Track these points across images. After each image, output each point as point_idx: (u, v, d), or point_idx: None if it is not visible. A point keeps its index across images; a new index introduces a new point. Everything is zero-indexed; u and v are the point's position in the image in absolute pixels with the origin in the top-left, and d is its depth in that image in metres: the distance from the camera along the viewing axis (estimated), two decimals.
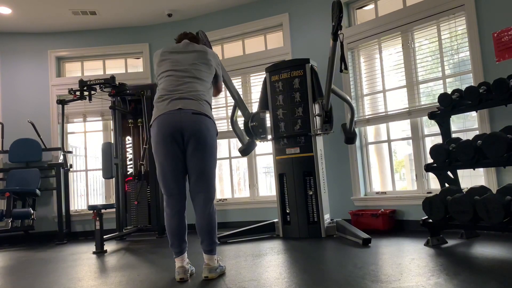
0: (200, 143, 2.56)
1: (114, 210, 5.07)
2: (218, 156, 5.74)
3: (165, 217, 2.69)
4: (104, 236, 4.30)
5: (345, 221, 4.09)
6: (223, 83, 3.12)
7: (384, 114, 4.57)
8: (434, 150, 3.38)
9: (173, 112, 2.53)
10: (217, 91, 3.03)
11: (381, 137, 4.80)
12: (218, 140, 5.64)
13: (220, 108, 5.82)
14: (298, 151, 4.23)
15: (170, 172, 2.59)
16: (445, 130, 3.56)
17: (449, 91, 3.72)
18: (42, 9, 5.33)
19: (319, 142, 4.25)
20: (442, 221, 3.17)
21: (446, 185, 3.48)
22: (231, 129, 4.61)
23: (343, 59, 3.77)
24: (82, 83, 5.02)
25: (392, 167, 4.60)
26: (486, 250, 2.98)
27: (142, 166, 5.24)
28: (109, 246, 4.49)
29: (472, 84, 3.78)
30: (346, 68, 3.80)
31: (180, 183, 2.63)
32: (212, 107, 6.00)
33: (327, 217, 4.17)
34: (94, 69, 6.20)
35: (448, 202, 3.07)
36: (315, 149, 4.17)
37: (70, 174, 5.80)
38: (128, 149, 5.42)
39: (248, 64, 5.54)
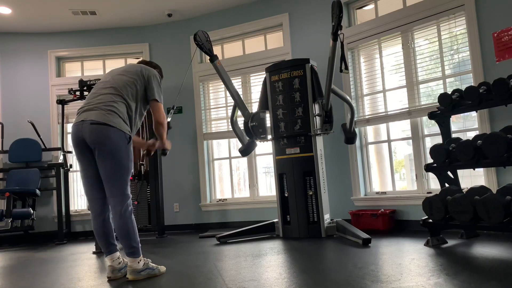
0: (102, 151, 2.66)
1: None
2: (218, 156, 5.86)
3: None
4: None
5: (345, 221, 4.09)
6: (163, 110, 2.89)
7: (384, 114, 4.57)
8: (434, 150, 3.38)
9: (77, 124, 2.71)
10: (155, 112, 2.86)
11: (381, 137, 4.80)
12: (218, 140, 5.78)
13: (220, 108, 5.82)
14: (298, 151, 4.23)
15: (84, 178, 2.79)
16: (445, 130, 3.56)
17: (449, 91, 3.72)
18: (42, 9, 5.33)
19: (319, 142, 4.25)
20: (442, 221, 3.17)
21: (446, 185, 3.48)
22: (231, 129, 4.61)
23: (343, 59, 3.77)
24: (82, 83, 5.03)
25: (392, 167, 4.60)
26: (486, 250, 2.98)
27: (142, 166, 5.24)
28: None
29: (472, 84, 3.78)
30: (346, 68, 3.80)
31: (95, 189, 2.77)
32: (211, 107, 6.01)
33: (327, 217, 4.17)
34: (94, 69, 6.20)
35: (448, 202, 3.07)
36: (315, 149, 4.17)
37: (70, 174, 5.81)
38: None
39: (248, 64, 5.54)
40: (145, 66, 2.98)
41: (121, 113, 2.72)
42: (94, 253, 4.15)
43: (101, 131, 2.64)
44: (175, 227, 5.64)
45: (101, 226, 2.78)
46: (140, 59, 3.20)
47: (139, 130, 5.41)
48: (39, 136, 5.56)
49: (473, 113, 3.80)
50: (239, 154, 4.69)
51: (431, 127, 4.32)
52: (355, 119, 4.34)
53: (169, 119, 3.25)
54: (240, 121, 4.59)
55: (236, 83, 5.47)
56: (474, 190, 3.10)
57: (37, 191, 5.38)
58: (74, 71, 6.23)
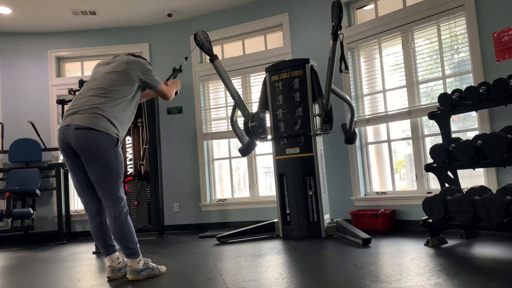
0: (89, 157, 2.62)
1: None
2: (218, 156, 5.86)
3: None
4: None
5: (345, 221, 4.09)
6: (166, 89, 3.07)
7: (384, 114, 4.57)
8: (434, 150, 3.38)
9: (63, 129, 2.66)
10: (160, 95, 3.08)
11: (381, 137, 4.80)
12: (218, 140, 5.79)
13: (220, 108, 5.82)
14: (298, 151, 4.23)
15: (76, 182, 2.76)
16: (445, 130, 3.56)
17: (449, 91, 3.72)
18: (42, 9, 5.33)
19: (319, 142, 4.25)
20: (442, 221, 3.17)
21: (446, 185, 3.48)
22: (231, 129, 4.61)
23: (343, 59, 3.77)
24: (82, 83, 5.02)
25: (392, 167, 4.59)
26: (486, 250, 2.98)
27: (142, 166, 5.24)
28: None
29: (472, 84, 3.78)
30: (346, 68, 3.79)
31: (88, 192, 2.75)
32: (211, 107, 6.00)
33: (327, 217, 4.17)
34: None
35: (448, 202, 3.07)
36: (315, 149, 4.17)
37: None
38: (128, 149, 5.43)
39: (248, 64, 5.54)
40: (131, 59, 2.85)
41: (108, 115, 2.65)
42: (94, 253, 4.15)
43: (86, 136, 2.58)
44: (175, 227, 5.64)
45: (98, 228, 2.77)
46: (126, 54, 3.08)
47: (139, 130, 5.41)
48: (39, 136, 5.56)
49: (473, 113, 3.80)
50: (239, 154, 4.69)
51: (431, 127, 4.32)
52: (355, 119, 4.34)
53: (184, 62, 3.57)
54: (240, 121, 4.59)
55: (236, 83, 5.47)
56: (474, 190, 3.10)
57: (37, 191, 5.38)
58: (74, 71, 6.23)
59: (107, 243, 2.79)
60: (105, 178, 2.64)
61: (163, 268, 2.91)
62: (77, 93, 2.85)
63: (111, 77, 2.76)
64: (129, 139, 5.50)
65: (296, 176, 4.21)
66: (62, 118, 5.56)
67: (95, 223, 2.77)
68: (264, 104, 4.48)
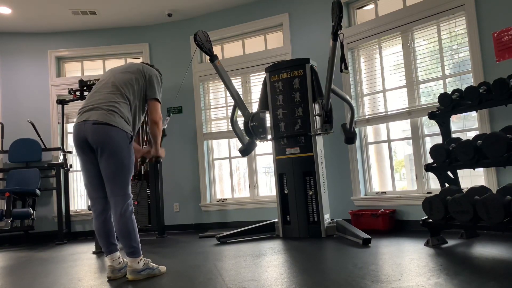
0: (104, 151, 2.67)
1: None
2: (218, 156, 5.87)
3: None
4: None
5: (345, 221, 4.09)
6: (159, 112, 2.88)
7: (384, 114, 4.57)
8: (434, 150, 3.38)
9: (79, 124, 2.71)
10: (151, 110, 2.87)
11: (381, 137, 4.80)
12: (218, 140, 5.78)
13: (220, 108, 5.82)
14: (298, 151, 4.23)
15: (87, 178, 2.80)
16: (445, 130, 3.56)
17: (449, 91, 3.72)
18: (42, 9, 5.33)
19: (319, 142, 4.25)
20: (442, 221, 3.17)
21: (446, 185, 3.48)
22: (231, 129, 4.61)
23: (343, 59, 3.77)
24: (82, 83, 5.03)
25: (392, 167, 4.60)
26: (486, 250, 2.98)
27: (142, 166, 5.24)
28: None
29: (472, 84, 3.78)
30: (346, 68, 3.80)
31: (98, 188, 2.78)
32: (211, 107, 5.99)
33: (327, 217, 4.17)
34: (94, 69, 6.20)
35: (448, 202, 3.07)
36: (315, 149, 4.17)
37: (70, 174, 5.80)
38: None
39: (248, 64, 5.54)
40: (146, 66, 3.01)
41: (123, 113, 2.73)
42: (94, 253, 4.15)
43: (104, 131, 2.64)
44: (175, 227, 5.64)
45: (103, 226, 2.78)
46: (141, 61, 3.23)
47: (139, 130, 5.41)
48: (39, 136, 5.56)
49: (473, 113, 3.80)
50: (239, 154, 4.69)
51: (431, 127, 4.32)
52: (355, 119, 4.34)
53: (165, 127, 3.09)
54: (240, 121, 4.59)
55: (236, 83, 5.47)
56: (474, 190, 3.10)
57: (37, 191, 5.38)
58: (74, 71, 6.23)
59: (109, 242, 2.79)
60: (117, 173, 2.69)
61: (163, 268, 2.91)
62: (90, 91, 2.88)
63: (125, 77, 2.85)
64: None
65: (296, 176, 4.21)
66: (62, 118, 5.59)
67: (100, 220, 2.78)
68: (264, 104, 4.48)
